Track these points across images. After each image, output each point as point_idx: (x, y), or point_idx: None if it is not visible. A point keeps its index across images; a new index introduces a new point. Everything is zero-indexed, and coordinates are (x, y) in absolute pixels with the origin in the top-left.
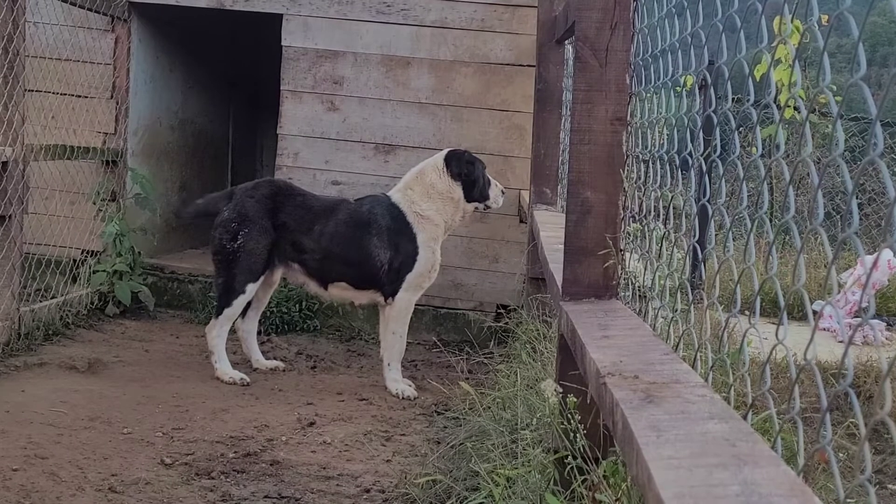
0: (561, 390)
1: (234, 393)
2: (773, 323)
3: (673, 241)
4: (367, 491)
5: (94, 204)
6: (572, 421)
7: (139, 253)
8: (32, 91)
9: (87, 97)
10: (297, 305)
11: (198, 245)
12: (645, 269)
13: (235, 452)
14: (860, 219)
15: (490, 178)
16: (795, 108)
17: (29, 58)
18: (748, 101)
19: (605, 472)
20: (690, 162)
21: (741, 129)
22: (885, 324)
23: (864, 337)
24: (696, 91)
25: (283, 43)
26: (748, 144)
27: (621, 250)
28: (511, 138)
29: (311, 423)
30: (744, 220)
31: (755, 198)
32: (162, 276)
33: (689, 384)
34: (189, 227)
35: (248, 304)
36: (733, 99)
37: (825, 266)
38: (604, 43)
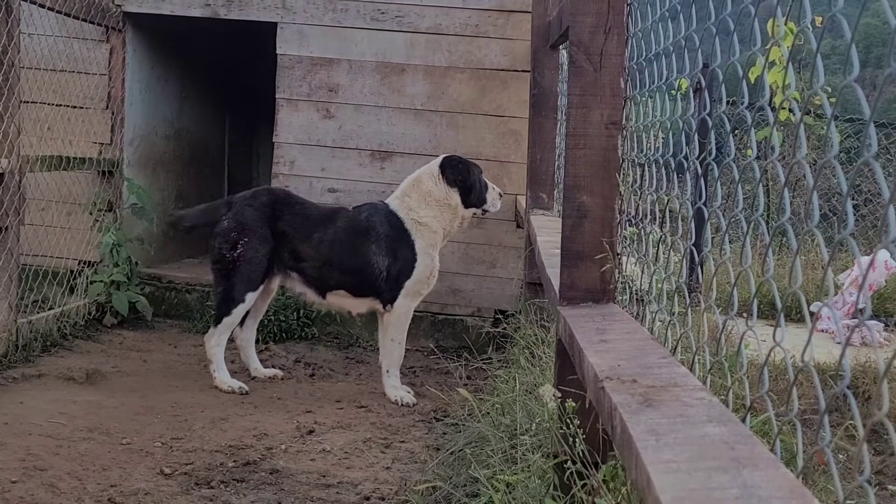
0: (559, 395)
1: (232, 402)
2: (771, 325)
3: (669, 244)
4: (367, 498)
5: (91, 214)
6: (571, 426)
7: (136, 263)
8: (28, 102)
9: (82, 108)
10: (295, 313)
11: (195, 254)
12: (642, 272)
13: (235, 461)
14: (856, 220)
15: (487, 181)
16: (790, 111)
17: (24, 69)
18: (743, 103)
19: (604, 476)
20: (686, 165)
21: (736, 131)
22: (883, 324)
23: (861, 338)
24: (691, 94)
25: (278, 51)
26: (743, 147)
27: (618, 254)
28: (507, 144)
29: (311, 431)
30: (740, 223)
31: (751, 200)
32: (159, 286)
33: (688, 387)
34: (186, 237)
35: (247, 313)
36: (728, 102)
37: (822, 267)
38: (598, 47)
